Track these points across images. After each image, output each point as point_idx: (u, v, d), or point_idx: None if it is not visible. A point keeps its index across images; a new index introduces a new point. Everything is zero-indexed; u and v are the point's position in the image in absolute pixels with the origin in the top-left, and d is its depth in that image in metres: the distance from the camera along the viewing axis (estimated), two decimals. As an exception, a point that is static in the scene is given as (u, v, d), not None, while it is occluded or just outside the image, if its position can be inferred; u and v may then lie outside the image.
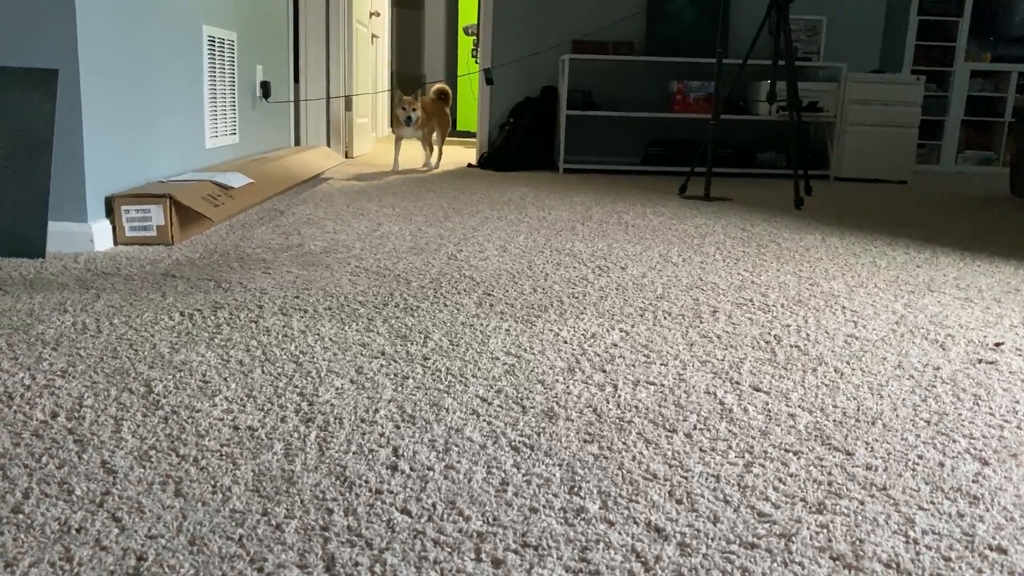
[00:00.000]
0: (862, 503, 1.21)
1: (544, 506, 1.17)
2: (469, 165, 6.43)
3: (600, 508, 1.17)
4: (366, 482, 1.22)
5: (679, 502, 1.19)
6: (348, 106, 6.49)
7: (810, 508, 1.19)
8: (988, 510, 1.20)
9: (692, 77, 6.27)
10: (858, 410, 1.58)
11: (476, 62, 7.23)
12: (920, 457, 1.37)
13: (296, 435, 1.37)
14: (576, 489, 1.22)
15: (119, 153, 2.89)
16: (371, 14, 7.33)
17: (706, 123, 5.50)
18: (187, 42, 3.51)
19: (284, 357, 1.76)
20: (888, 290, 2.60)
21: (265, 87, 4.56)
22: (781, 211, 4.43)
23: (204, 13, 3.68)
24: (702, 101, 6.18)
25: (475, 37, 9.08)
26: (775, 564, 1.04)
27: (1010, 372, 1.83)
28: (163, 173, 3.25)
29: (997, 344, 2.05)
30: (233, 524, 1.09)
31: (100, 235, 2.75)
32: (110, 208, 2.81)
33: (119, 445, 1.31)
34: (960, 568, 1.04)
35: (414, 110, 5.62)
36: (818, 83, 6.26)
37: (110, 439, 1.33)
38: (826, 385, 1.71)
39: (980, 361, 1.91)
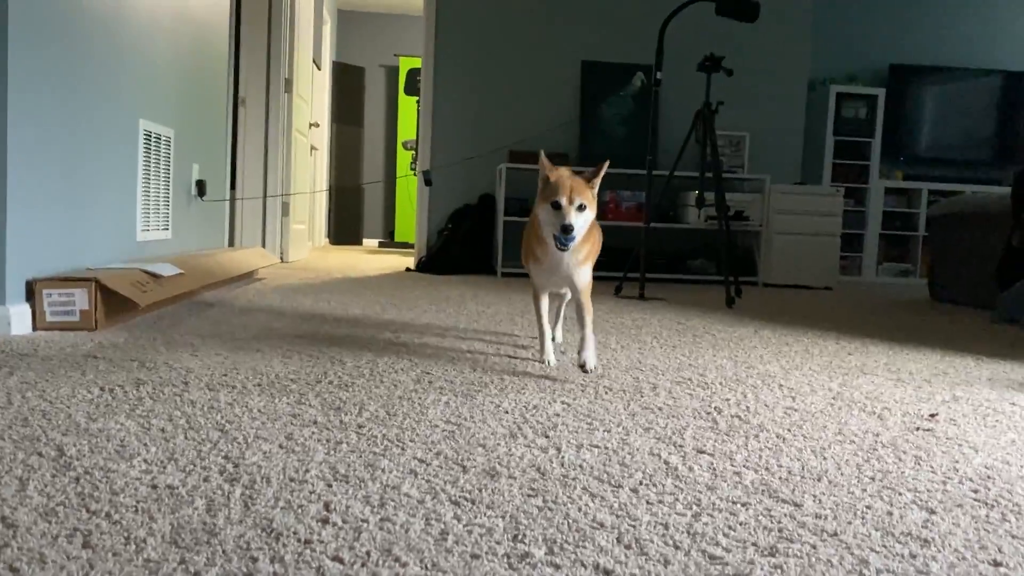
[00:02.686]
0: (814, 547, 1.17)
1: (487, 552, 1.10)
2: (407, 269, 6.45)
3: (546, 553, 1.11)
4: (294, 533, 1.14)
5: (628, 547, 1.14)
6: (285, 211, 6.49)
7: (762, 551, 1.15)
8: (940, 551, 1.18)
9: (624, 187, 6.49)
10: (803, 469, 1.56)
11: (415, 174, 7.37)
12: (868, 507, 1.35)
13: (220, 492, 1.28)
14: (520, 537, 1.16)
15: (44, 237, 2.81)
16: (311, 125, 7.46)
17: (638, 232, 5.65)
18: (123, 134, 3.49)
19: (209, 425, 1.67)
20: (823, 372, 2.63)
21: (200, 185, 4.54)
22: (713, 309, 4.52)
23: (142, 107, 3.69)
24: (634, 210, 6.38)
25: (414, 152, 9.32)
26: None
27: (947, 438, 1.84)
28: (91, 262, 3.15)
29: (932, 415, 2.07)
30: (146, 572, 0.99)
31: (18, 319, 2.62)
32: (31, 292, 2.70)
33: (23, 503, 1.20)
34: None
35: (580, 207, 2.21)
36: (743, 194, 6.54)
37: (12, 497, 1.22)
38: (769, 448, 1.69)
39: (918, 429, 1.92)
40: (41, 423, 1.63)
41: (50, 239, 2.85)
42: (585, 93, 6.67)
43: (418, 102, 7.29)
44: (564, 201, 2.18)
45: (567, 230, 2.16)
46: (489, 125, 6.65)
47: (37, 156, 2.72)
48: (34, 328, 2.70)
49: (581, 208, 2.20)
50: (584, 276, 2.39)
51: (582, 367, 2.26)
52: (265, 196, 6.03)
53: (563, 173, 2.23)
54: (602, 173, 2.29)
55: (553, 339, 2.78)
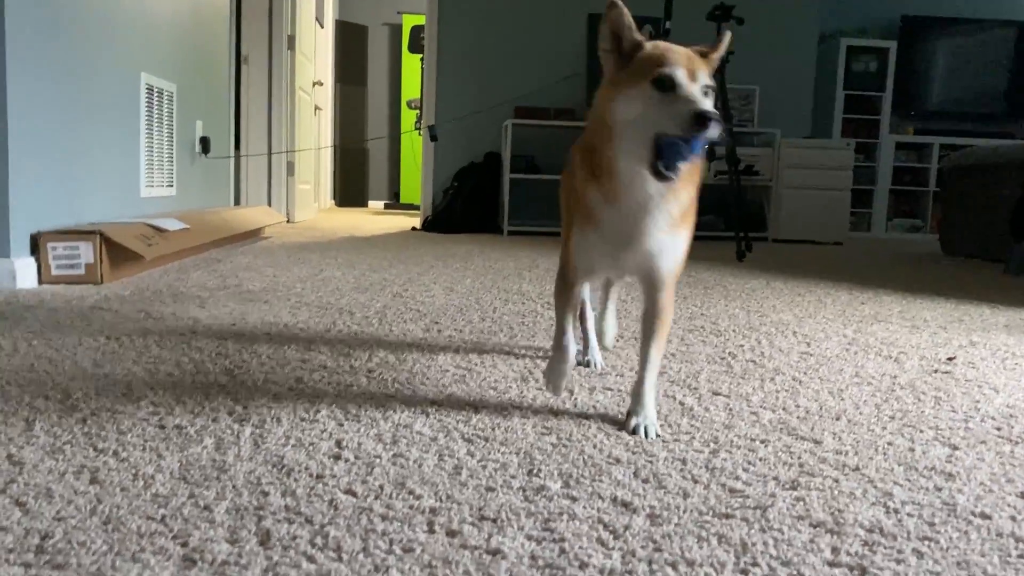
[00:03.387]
0: (836, 480, 1.14)
1: (502, 485, 1.08)
2: (413, 229, 6.40)
3: (562, 487, 1.08)
4: (306, 469, 1.11)
5: (645, 481, 1.11)
6: (291, 171, 6.43)
7: (783, 485, 1.12)
8: (966, 484, 1.15)
9: (632, 143, 6.41)
10: (820, 409, 1.53)
11: (420, 135, 7.29)
12: (889, 444, 1.32)
13: (229, 431, 1.26)
14: (535, 471, 1.13)
15: (48, 190, 2.77)
16: (314, 83, 7.37)
17: (647, 186, 5.62)
18: (124, 88, 3.44)
19: (217, 371, 1.65)
20: (836, 320, 2.59)
21: (204, 142, 4.49)
22: (724, 263, 4.48)
23: (143, 61, 3.63)
24: (643, 166, 6.30)
25: (418, 111, 9.22)
26: (753, 531, 0.96)
27: (966, 380, 1.81)
28: (95, 217, 3.12)
29: (950, 358, 2.04)
30: (155, 506, 0.97)
31: (23, 272, 2.60)
32: (36, 245, 2.67)
33: (29, 442, 1.18)
34: (946, 531, 0.98)
35: (706, 91, 1.20)
36: (753, 148, 6.45)
37: (19, 437, 1.20)
38: (786, 390, 1.66)
39: (936, 371, 1.89)
40: (47, 368, 1.61)
41: (54, 193, 2.81)
42: (592, 47, 6.55)
43: (422, 60, 7.19)
44: (682, 75, 1.16)
45: (701, 121, 1.10)
46: (494, 81, 6.55)
47: (37, 109, 2.67)
48: (40, 282, 2.67)
49: (707, 93, 1.19)
50: (676, 251, 1.31)
51: (633, 430, 1.31)
52: (270, 153, 5.97)
53: (663, 43, 1.24)
54: (723, 47, 1.29)
55: (602, 345, 1.88)
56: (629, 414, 1.36)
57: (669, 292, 1.36)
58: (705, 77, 1.19)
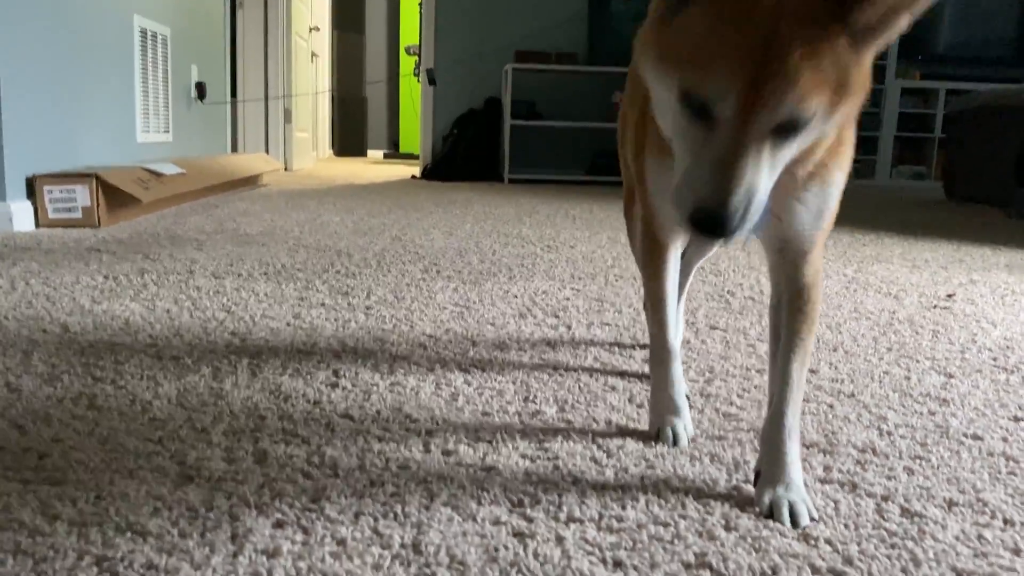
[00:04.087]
0: (831, 406, 1.15)
1: (498, 411, 1.08)
2: (412, 177, 6.36)
3: (557, 411, 1.09)
4: (303, 395, 1.12)
5: (640, 406, 1.12)
6: (288, 119, 6.37)
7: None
8: (960, 409, 1.15)
9: (634, 89, 6.32)
10: (818, 341, 1.53)
11: (419, 81, 7.19)
12: (885, 373, 1.33)
13: (226, 362, 1.26)
14: (531, 398, 1.14)
15: (42, 134, 2.74)
16: (311, 28, 7.26)
17: (649, 132, 5.55)
18: (117, 30, 3.38)
19: (215, 307, 1.65)
20: (837, 260, 2.59)
21: (200, 88, 4.44)
22: (725, 209, 4.45)
23: (136, 3, 3.56)
24: (644, 112, 6.23)
25: (417, 56, 9.10)
26: (745, 451, 0.97)
27: (964, 315, 1.81)
28: (92, 162, 3.10)
29: (949, 295, 2.03)
30: (153, 429, 0.98)
31: (20, 215, 2.59)
32: (32, 189, 2.66)
33: (28, 370, 1.18)
34: (938, 451, 0.99)
35: (785, 131, 0.65)
36: (756, 95, 6.36)
37: (17, 366, 1.20)
38: (784, 324, 1.66)
39: (935, 307, 1.89)
40: (45, 305, 1.61)
41: (49, 138, 2.79)
42: (593, -9, 6.43)
43: (421, 3, 7.07)
44: (728, 102, 0.64)
45: (698, 225, 0.66)
46: (494, 24, 6.44)
47: (28, 51, 2.63)
48: (37, 225, 2.66)
49: (786, 132, 0.65)
50: (825, 199, 0.82)
51: (771, 511, 0.80)
52: (267, 99, 5.91)
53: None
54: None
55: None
56: (760, 478, 0.84)
57: (816, 260, 0.86)
58: (785, 100, 0.62)
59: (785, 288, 0.87)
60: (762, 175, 0.64)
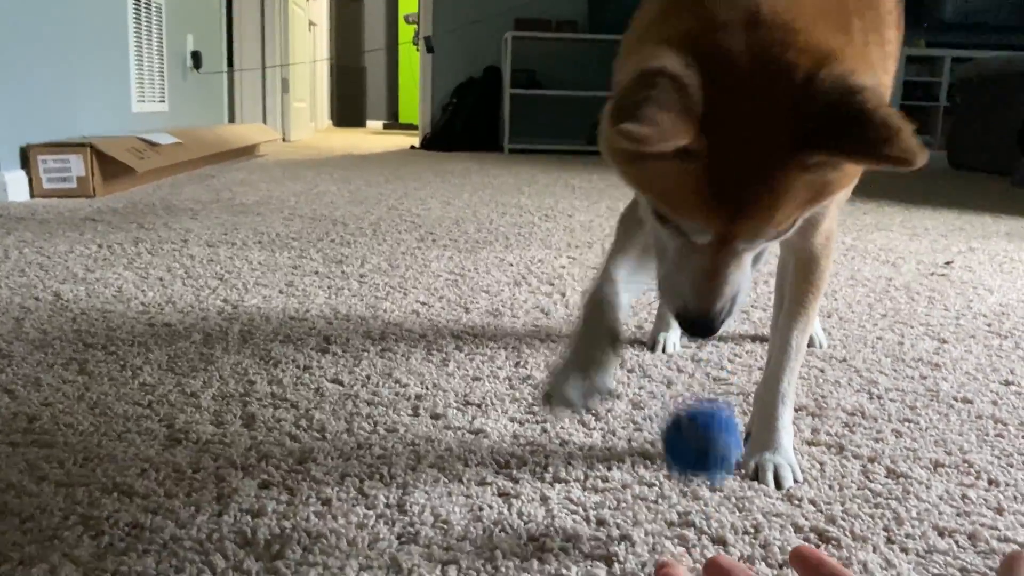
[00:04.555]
0: (822, 371, 1.15)
1: (488, 376, 1.08)
2: (411, 147, 6.33)
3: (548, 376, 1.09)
4: (293, 361, 1.12)
5: (631, 371, 1.12)
6: (285, 88, 6.33)
7: (769, 374, 1.13)
8: (951, 373, 1.15)
9: (634, 58, 6.26)
10: (812, 307, 1.53)
11: (417, 50, 7.13)
12: (878, 339, 1.32)
13: (217, 328, 1.26)
14: (522, 364, 1.14)
15: (35, 104, 2.73)
16: (309, -2, 7.18)
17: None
18: (111, -2, 3.35)
19: (208, 275, 1.65)
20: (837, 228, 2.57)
21: (196, 57, 4.40)
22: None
23: (129, -29, 3.52)
24: (645, 81, 6.17)
25: (416, 25, 9.02)
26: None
27: (961, 282, 1.80)
28: (86, 132, 3.08)
29: (947, 263, 2.03)
30: (142, 393, 0.98)
31: (14, 186, 2.58)
32: (26, 159, 2.64)
33: (19, 336, 1.19)
34: (927, 414, 0.99)
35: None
36: (758, 63, 6.30)
37: (9, 333, 1.20)
38: (779, 291, 1.66)
39: (932, 274, 1.88)
40: (38, 274, 1.60)
41: (42, 107, 2.77)
42: (593, -43, 6.35)
43: (419, -27, 6.99)
44: (706, 240, 0.62)
45: (692, 331, 0.66)
46: (493, -6, 6.37)
47: (19, 19, 2.61)
48: (32, 195, 2.65)
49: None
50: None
51: (756, 473, 0.80)
52: (264, 67, 5.86)
53: None
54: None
55: (669, 352, 1.22)
56: (749, 440, 0.83)
57: (828, 228, 0.82)
58: (762, 233, 0.60)
59: (794, 254, 0.84)
60: (745, 274, 0.63)
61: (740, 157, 0.56)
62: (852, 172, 0.60)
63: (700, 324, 0.63)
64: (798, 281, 0.83)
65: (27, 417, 0.89)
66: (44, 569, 0.60)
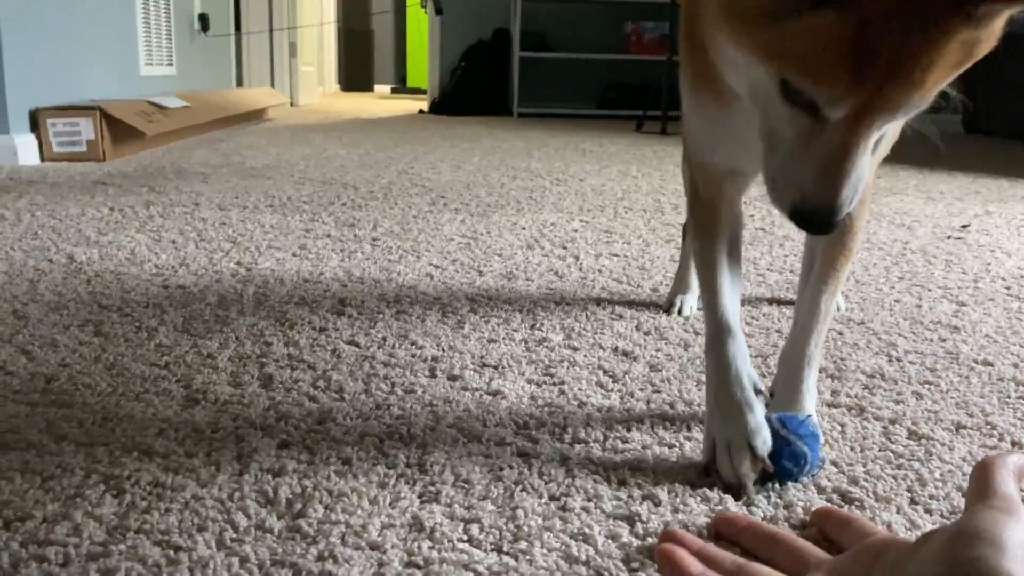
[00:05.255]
0: (840, 333, 1.14)
1: (504, 338, 1.08)
2: (420, 112, 6.28)
3: (564, 339, 1.08)
4: (309, 323, 1.12)
5: (647, 334, 1.11)
6: (293, 52, 6.27)
7: (785, 336, 1.12)
8: (971, 336, 1.14)
9: (647, 18, 6.18)
10: (829, 271, 1.51)
11: (425, 12, 7.04)
12: (896, 301, 1.31)
13: (232, 291, 1.26)
14: (538, 326, 1.13)
15: (44, 67, 2.71)
16: (316, -40, 7.08)
17: (661, 66, 5.41)
18: (117, -41, 3.30)
19: (220, 238, 1.64)
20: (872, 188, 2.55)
21: (204, 20, 4.36)
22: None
23: (135, -69, 3.47)
24: (657, 42, 6.10)
25: (424, -12, 8.90)
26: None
27: (979, 246, 1.79)
28: (95, 95, 3.06)
29: (964, 226, 2.00)
30: (158, 354, 0.98)
31: (24, 149, 2.57)
32: (36, 122, 2.63)
33: (34, 299, 1.18)
34: (947, 376, 0.98)
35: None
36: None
37: (24, 294, 1.20)
38: (794, 255, 1.65)
39: (948, 238, 1.86)
40: (51, 236, 1.60)
41: (51, 71, 2.75)
42: (604, -83, 6.23)
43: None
44: (843, 113, 0.55)
45: (799, 221, 0.61)
46: (502, -45, 6.27)
47: (26, -23, 2.58)
48: (42, 159, 2.65)
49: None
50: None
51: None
52: (271, 30, 5.81)
53: None
54: None
55: (686, 315, 1.21)
56: (772, 401, 0.80)
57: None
58: (908, 104, 0.55)
59: (811, 248, 0.80)
60: (867, 164, 0.58)
61: (901, 6, 0.50)
62: (996, 35, 0.56)
63: (821, 216, 0.57)
64: (831, 243, 0.79)
65: (45, 378, 0.89)
66: (68, 527, 0.60)
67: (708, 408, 0.75)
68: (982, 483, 0.50)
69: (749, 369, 0.76)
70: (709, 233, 0.81)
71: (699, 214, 0.83)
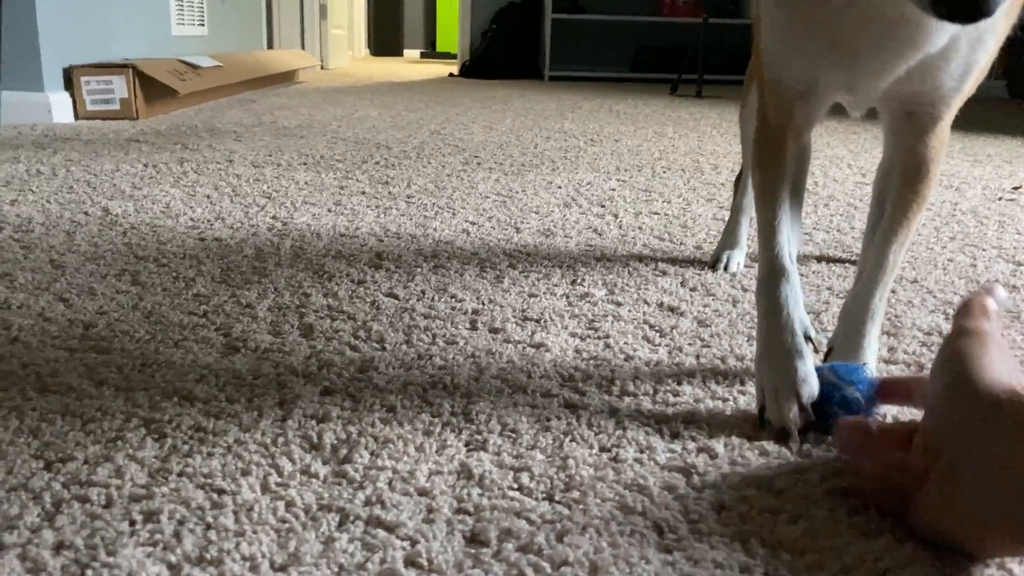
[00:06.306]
0: (893, 292, 1.10)
1: (545, 292, 1.05)
2: (450, 75, 6.22)
3: (607, 294, 1.05)
4: (347, 275, 1.10)
5: (693, 290, 1.08)
6: (323, 15, 6.22)
7: (836, 294, 1.08)
8: (1030, 296, 1.10)
9: (681, -19, 6.04)
10: (877, 231, 1.47)
11: (456, -26, 6.94)
12: (950, 261, 1.27)
13: (269, 244, 1.25)
14: (579, 282, 1.11)
15: (77, 24, 2.69)
16: (346, -79, 7.00)
17: (696, 29, 5.29)
18: (148, -84, 3.27)
19: (255, 193, 1.63)
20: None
21: (235, -20, 4.32)
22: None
23: None
24: (691, 4, 5.97)
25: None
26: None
27: (1031, 208, 1.72)
28: (127, 55, 3.05)
29: (1016, 188, 1.94)
30: (197, 303, 0.96)
31: (59, 107, 2.57)
32: (69, 80, 2.63)
33: (71, 249, 1.18)
34: (1008, 335, 0.94)
35: None
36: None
37: (61, 245, 1.20)
38: (840, 214, 1.60)
39: (999, 199, 1.80)
40: (86, 190, 1.60)
41: (84, 29, 2.74)
42: None
43: None
44: None
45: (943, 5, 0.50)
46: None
47: (58, -67, 2.56)
48: (76, 117, 2.64)
49: None
50: (977, 53, 0.69)
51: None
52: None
53: None
54: None
55: (733, 271, 1.18)
56: (831, 354, 0.78)
57: (944, 131, 0.76)
58: None
59: (902, 159, 0.75)
60: None
61: None
62: None
63: None
64: (903, 188, 0.75)
65: (83, 324, 0.88)
66: (110, 469, 0.59)
67: (757, 352, 0.73)
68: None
69: (802, 314, 0.73)
70: (773, 165, 0.77)
71: (764, 143, 0.78)
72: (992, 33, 0.68)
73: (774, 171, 0.77)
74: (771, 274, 0.75)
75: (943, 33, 0.63)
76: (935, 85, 0.70)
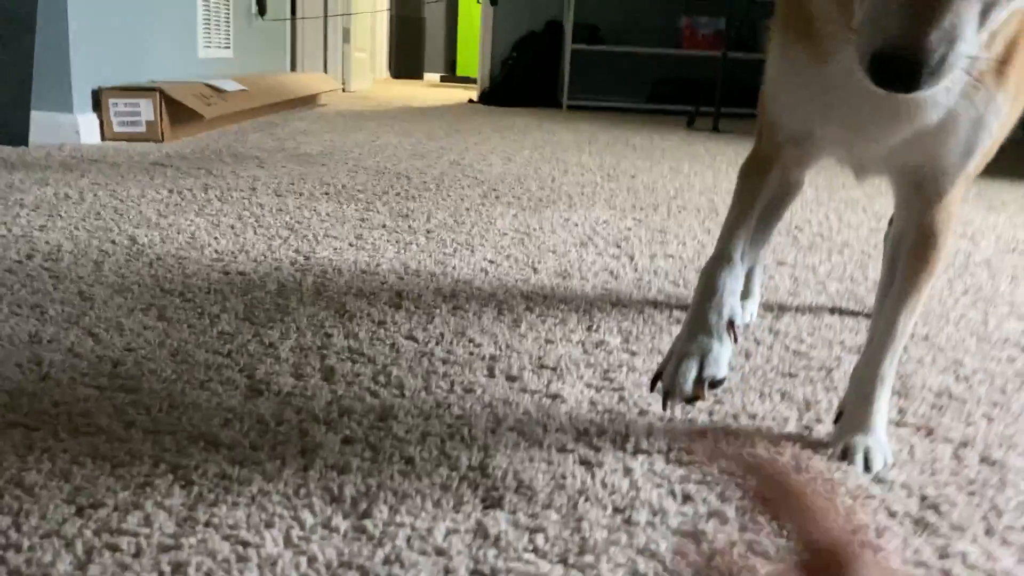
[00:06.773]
0: (904, 348, 1.11)
1: (561, 339, 1.07)
2: (470, 101, 6.28)
3: (622, 342, 1.07)
4: (368, 315, 1.12)
5: (707, 341, 1.10)
6: (346, 38, 6.30)
7: (849, 350, 1.10)
8: (1041, 357, 1.11)
9: (700, 13, 6.10)
10: (890, 281, 1.48)
11: (479, 2, 7.03)
12: (961, 316, 1.28)
13: (292, 279, 1.27)
14: (594, 328, 1.12)
15: (107, 47, 2.75)
16: (371, -54, 7.10)
17: (715, 62, 5.33)
18: (180, -58, 3.35)
19: (278, 224, 1.66)
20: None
21: (261, 4, 4.40)
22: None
23: (198, -86, 3.51)
24: (711, 38, 6.01)
25: (477, -23, 8.88)
26: (816, 390, 0.94)
27: (1045, 260, 1.73)
28: (155, 76, 3.11)
29: (1029, 239, 1.95)
30: (221, 342, 0.99)
31: (87, 127, 2.62)
32: (97, 102, 2.68)
33: (99, 280, 1.21)
34: (1019, 399, 0.95)
35: None
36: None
37: (89, 275, 1.23)
38: (853, 262, 1.61)
39: (1013, 251, 1.81)
40: (113, 217, 1.63)
41: (114, 52, 2.79)
42: (663, -91, 6.16)
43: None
44: None
45: (906, 64, 0.53)
46: (558, -55, 6.23)
47: (93, -41, 2.62)
48: (103, 139, 2.70)
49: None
50: (983, 130, 0.71)
51: (844, 453, 0.77)
52: (326, 16, 5.85)
53: None
54: None
55: (746, 322, 1.17)
56: (841, 419, 0.80)
57: (952, 205, 0.77)
58: None
59: (911, 229, 0.77)
60: (967, 21, 0.52)
61: None
62: None
63: (902, 61, 0.51)
64: (913, 258, 0.77)
65: (112, 361, 0.91)
66: (139, 517, 0.61)
67: (683, 325, 0.77)
68: None
69: (734, 302, 0.77)
70: (755, 179, 0.83)
71: (752, 163, 0.84)
72: (996, 116, 0.69)
73: (754, 182, 0.83)
74: (718, 259, 0.79)
75: (936, 109, 0.66)
76: (936, 160, 0.72)
